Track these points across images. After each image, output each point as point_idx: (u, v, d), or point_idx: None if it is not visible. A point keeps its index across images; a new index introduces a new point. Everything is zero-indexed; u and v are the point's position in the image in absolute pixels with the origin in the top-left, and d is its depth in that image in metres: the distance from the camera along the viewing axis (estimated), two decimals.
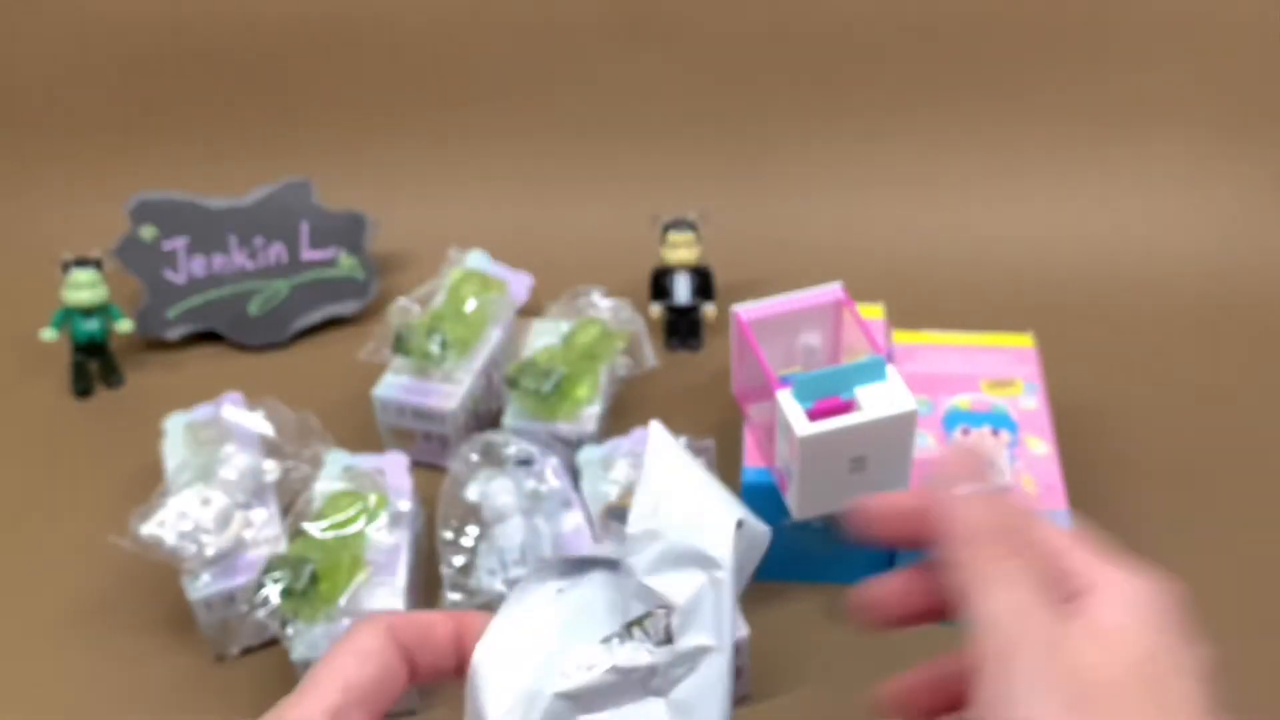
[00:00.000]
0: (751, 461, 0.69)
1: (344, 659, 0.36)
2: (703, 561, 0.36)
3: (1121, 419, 0.82)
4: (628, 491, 0.69)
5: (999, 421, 0.71)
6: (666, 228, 0.90)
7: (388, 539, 0.66)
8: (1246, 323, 0.91)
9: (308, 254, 0.94)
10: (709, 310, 0.90)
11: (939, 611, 0.39)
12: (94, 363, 0.87)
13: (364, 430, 0.80)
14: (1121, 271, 0.95)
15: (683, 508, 0.37)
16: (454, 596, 0.64)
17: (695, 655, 0.35)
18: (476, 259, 0.89)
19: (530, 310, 0.89)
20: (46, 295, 0.87)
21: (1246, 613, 0.68)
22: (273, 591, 0.61)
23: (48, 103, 1.05)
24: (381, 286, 0.95)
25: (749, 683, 0.63)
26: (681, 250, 0.89)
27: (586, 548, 0.67)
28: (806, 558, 0.70)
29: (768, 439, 0.67)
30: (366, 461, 0.71)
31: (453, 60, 1.03)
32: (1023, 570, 0.34)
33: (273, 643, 0.67)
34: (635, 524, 0.37)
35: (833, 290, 0.70)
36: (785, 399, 0.63)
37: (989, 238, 0.98)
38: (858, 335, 0.68)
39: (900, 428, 0.63)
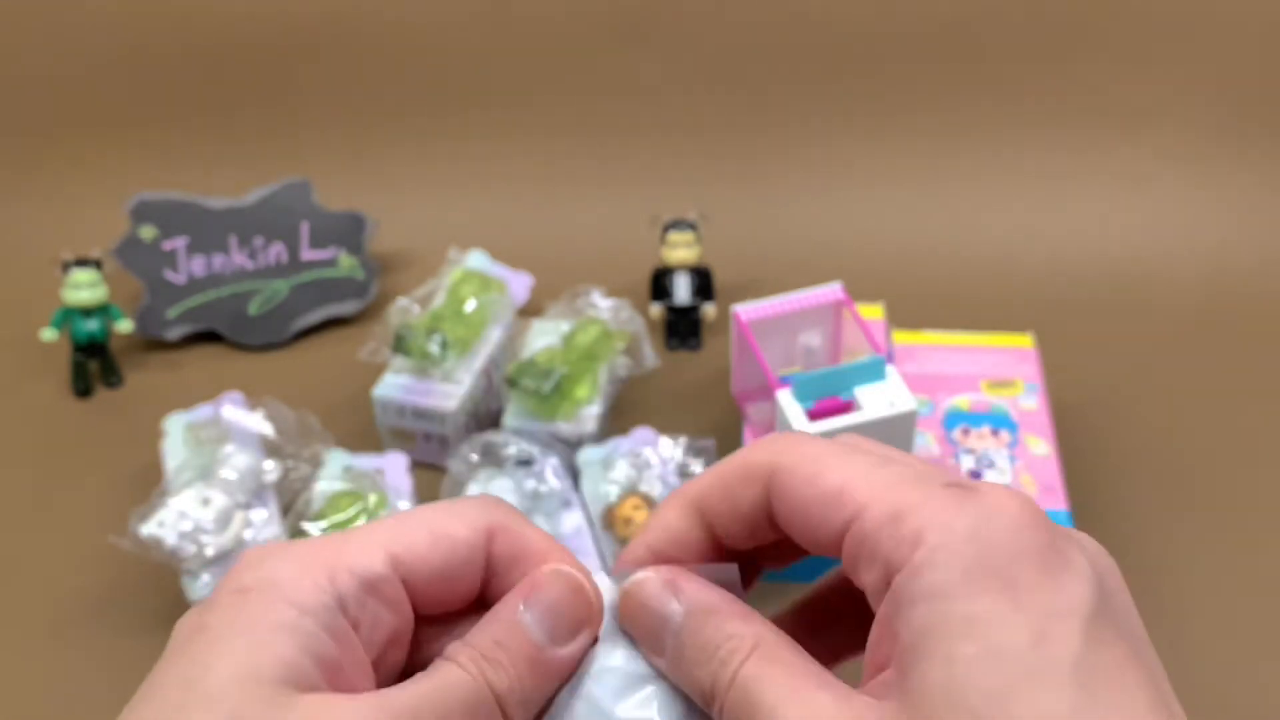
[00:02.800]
0: None
1: (418, 530, 0.30)
2: None
3: (1121, 419, 0.82)
4: (627, 493, 0.69)
5: (999, 421, 0.71)
6: (666, 228, 0.90)
7: None
8: (1246, 323, 0.91)
9: (308, 254, 0.94)
10: (709, 310, 0.90)
11: None
12: (94, 363, 0.87)
13: (364, 430, 0.80)
14: (1121, 271, 0.95)
15: None
16: None
17: None
18: (476, 259, 0.89)
19: (530, 310, 0.89)
20: (46, 295, 0.87)
21: (1247, 611, 0.68)
22: None
23: (48, 103, 1.05)
24: (381, 286, 0.95)
25: None
26: (681, 250, 0.89)
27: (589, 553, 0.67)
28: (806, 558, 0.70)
29: None
30: (366, 461, 0.71)
31: (453, 60, 1.03)
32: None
33: None
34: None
35: (833, 290, 0.70)
36: (785, 399, 0.63)
37: (989, 238, 0.98)
38: (858, 335, 0.68)
39: (900, 428, 0.63)
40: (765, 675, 0.27)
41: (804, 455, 0.28)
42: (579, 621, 0.29)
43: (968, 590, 0.24)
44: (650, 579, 0.29)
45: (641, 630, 0.29)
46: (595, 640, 0.30)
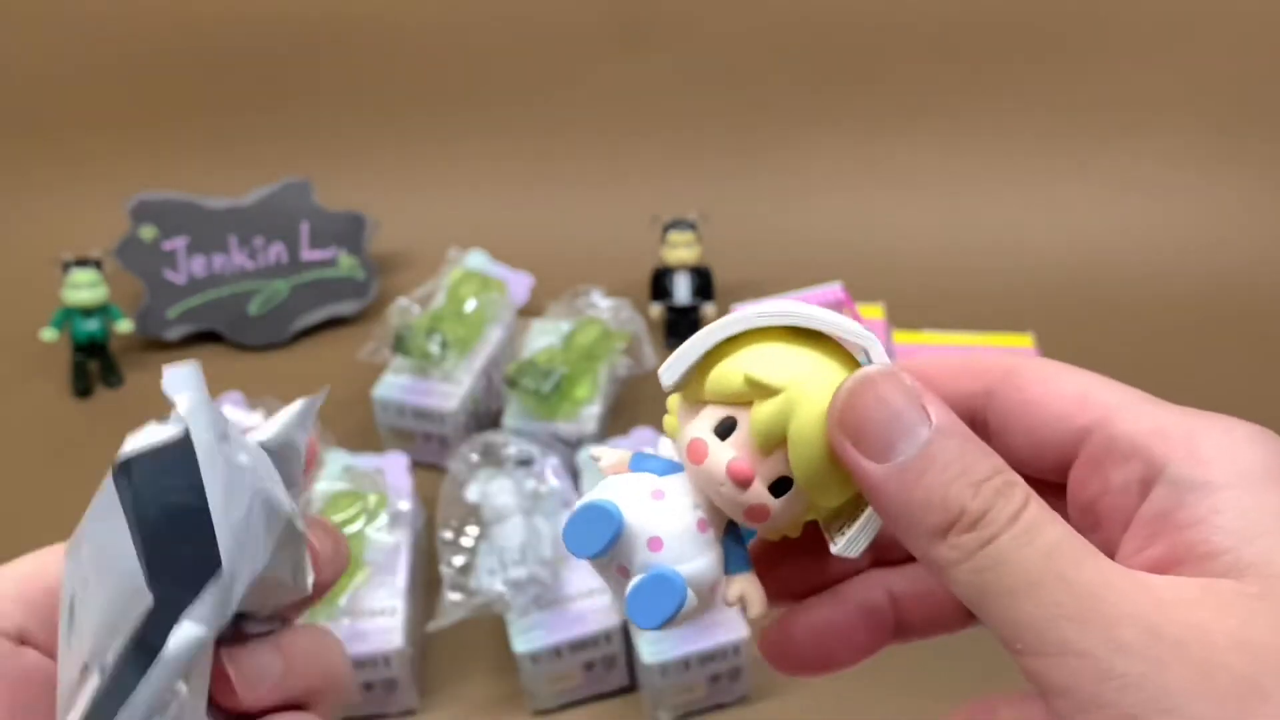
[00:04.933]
0: None
1: (32, 566, 0.28)
2: None
3: None
4: None
5: None
6: (666, 228, 0.90)
7: (388, 539, 0.66)
8: (1246, 322, 0.91)
9: (308, 254, 0.94)
10: (709, 310, 0.90)
11: (907, 628, 0.30)
12: (94, 363, 0.87)
13: (364, 430, 0.80)
14: (1121, 271, 0.95)
15: None
16: (454, 596, 0.64)
17: None
18: (476, 259, 0.89)
19: (530, 310, 0.89)
20: (46, 295, 0.87)
21: None
22: None
23: (48, 103, 1.05)
24: (381, 286, 0.95)
25: (749, 683, 0.63)
26: (681, 250, 0.89)
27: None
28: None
29: None
30: (366, 461, 0.71)
31: (452, 60, 1.03)
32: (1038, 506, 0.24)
33: None
34: None
35: (833, 290, 0.70)
36: None
37: (989, 238, 0.98)
38: None
39: None
40: (1063, 525, 0.24)
41: (1037, 363, 0.27)
42: None
43: (1265, 480, 0.24)
44: (902, 374, 0.25)
45: (874, 425, 0.25)
46: None
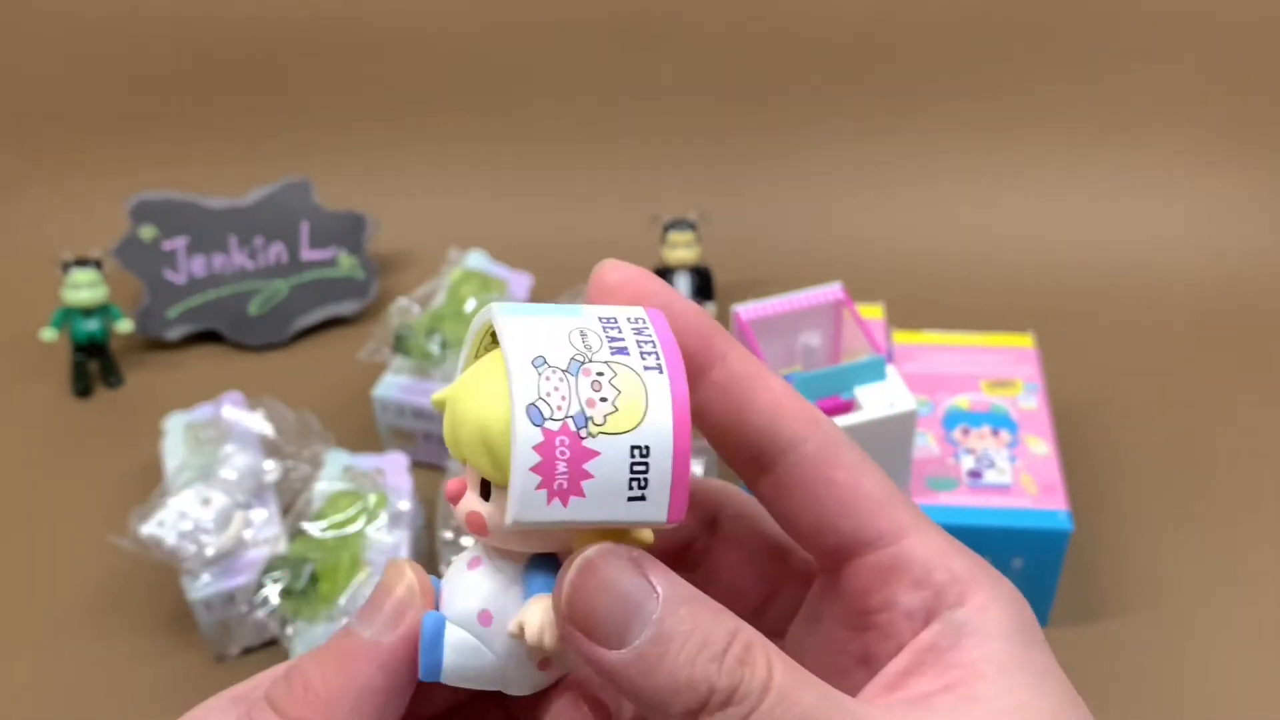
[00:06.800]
0: None
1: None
2: None
3: (1121, 419, 0.82)
4: None
5: (999, 421, 0.71)
6: (666, 228, 0.90)
7: (387, 539, 0.66)
8: (1246, 323, 0.91)
9: (308, 254, 0.94)
10: (709, 310, 0.90)
11: None
12: (94, 363, 0.87)
13: (364, 430, 0.80)
14: (1121, 271, 0.95)
15: None
16: None
17: None
18: (476, 259, 0.89)
19: None
20: (46, 295, 0.87)
21: (1246, 613, 0.68)
22: (273, 591, 0.61)
23: (48, 103, 1.05)
24: (381, 286, 0.95)
25: None
26: (681, 250, 0.89)
27: None
28: None
29: None
30: (366, 461, 0.71)
31: (452, 61, 1.03)
32: None
33: (273, 643, 0.67)
34: None
35: (833, 290, 0.70)
36: None
37: (989, 238, 0.98)
38: (858, 335, 0.68)
39: (900, 428, 0.63)
40: (813, 684, 0.24)
41: (843, 444, 0.28)
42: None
43: (1025, 643, 0.26)
44: (620, 548, 0.24)
45: (603, 612, 0.24)
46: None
